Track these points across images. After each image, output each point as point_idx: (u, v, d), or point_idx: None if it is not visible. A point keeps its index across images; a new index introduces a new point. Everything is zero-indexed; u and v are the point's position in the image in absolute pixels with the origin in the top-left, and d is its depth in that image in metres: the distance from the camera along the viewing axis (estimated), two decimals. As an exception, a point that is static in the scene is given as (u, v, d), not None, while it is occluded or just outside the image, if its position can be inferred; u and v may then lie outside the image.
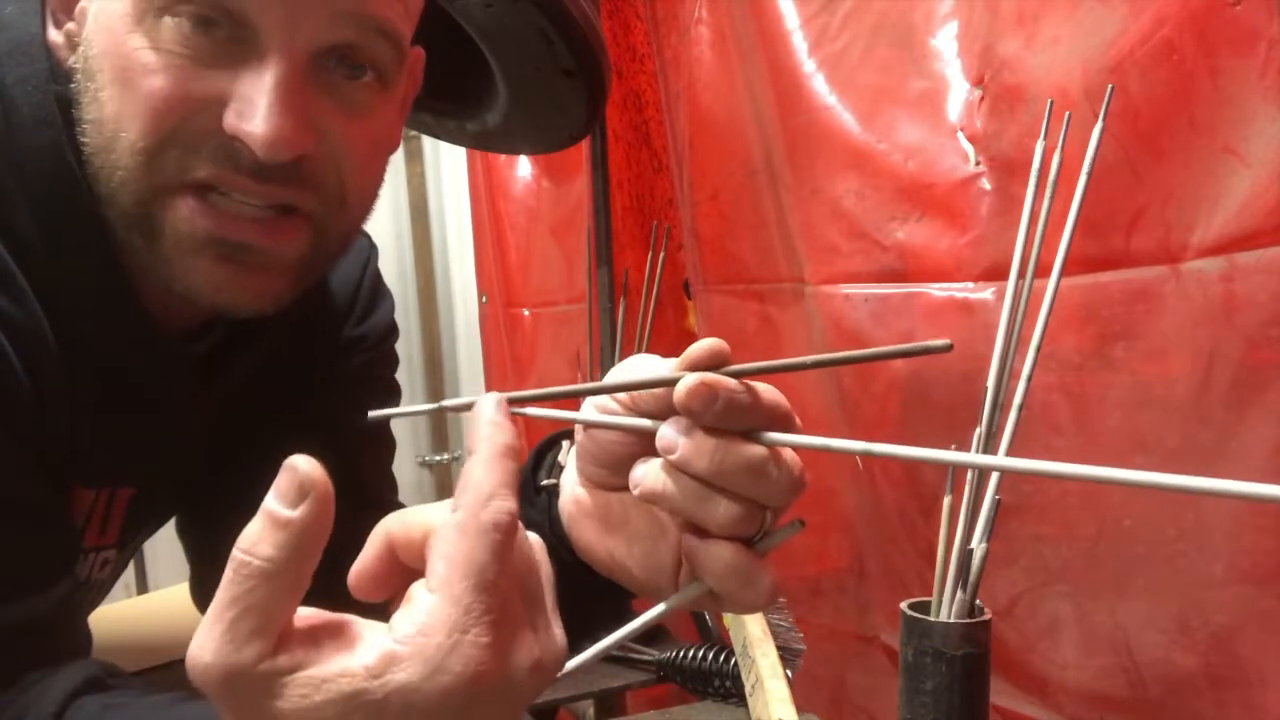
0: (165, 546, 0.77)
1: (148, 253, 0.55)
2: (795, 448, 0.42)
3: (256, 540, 0.33)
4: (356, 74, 0.55)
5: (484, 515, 0.35)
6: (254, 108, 0.51)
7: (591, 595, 0.53)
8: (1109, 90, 0.61)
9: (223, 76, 0.52)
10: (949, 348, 0.37)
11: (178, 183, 0.53)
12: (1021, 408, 0.58)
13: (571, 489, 0.50)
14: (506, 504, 0.36)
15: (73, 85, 0.55)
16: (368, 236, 0.77)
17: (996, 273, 0.82)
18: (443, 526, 0.36)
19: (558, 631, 0.39)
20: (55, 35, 0.57)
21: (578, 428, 0.48)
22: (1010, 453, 0.58)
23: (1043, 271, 0.60)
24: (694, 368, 0.42)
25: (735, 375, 0.42)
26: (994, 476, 0.58)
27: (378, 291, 0.78)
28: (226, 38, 0.52)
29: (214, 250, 0.54)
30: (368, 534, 0.71)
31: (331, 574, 0.70)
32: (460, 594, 0.34)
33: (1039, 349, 0.58)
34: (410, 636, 0.34)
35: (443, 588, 0.34)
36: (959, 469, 0.61)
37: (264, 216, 0.55)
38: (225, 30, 0.52)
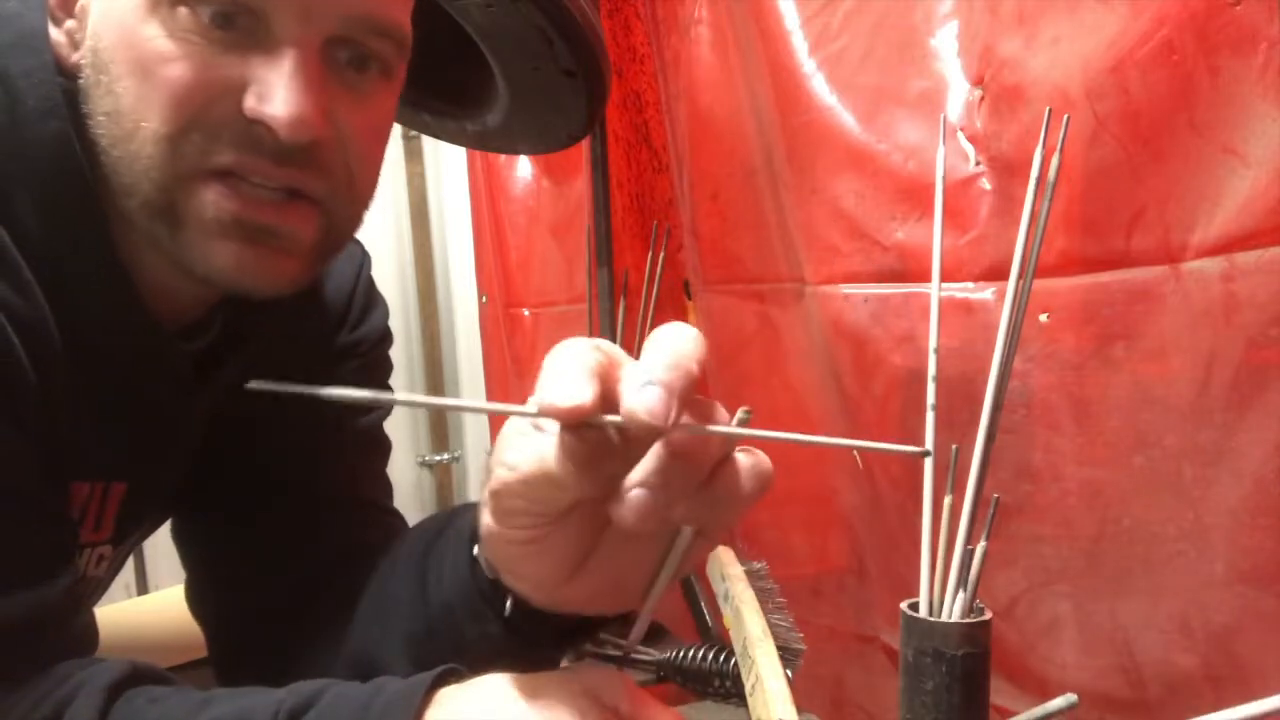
0: (165, 547, 0.77)
1: (170, 240, 0.55)
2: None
3: None
4: (363, 66, 0.57)
5: None
6: (274, 90, 0.52)
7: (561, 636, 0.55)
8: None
9: (240, 63, 0.53)
10: (928, 454, 0.38)
11: (200, 169, 0.54)
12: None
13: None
14: None
15: (80, 81, 0.55)
16: (360, 245, 0.78)
17: (996, 273, 0.82)
18: None
19: None
20: (56, 34, 0.57)
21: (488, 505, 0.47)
22: (1011, 453, 0.58)
23: (1044, 272, 0.60)
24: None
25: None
26: (973, 472, 0.58)
27: (371, 298, 0.78)
28: (241, 28, 0.53)
29: (238, 232, 0.55)
30: (361, 538, 0.71)
31: (331, 583, 0.70)
32: None
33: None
34: None
35: None
36: (960, 470, 0.61)
37: (279, 200, 0.56)
38: (241, 21, 0.53)
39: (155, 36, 0.52)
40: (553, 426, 0.40)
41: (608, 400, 0.39)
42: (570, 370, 0.39)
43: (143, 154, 0.53)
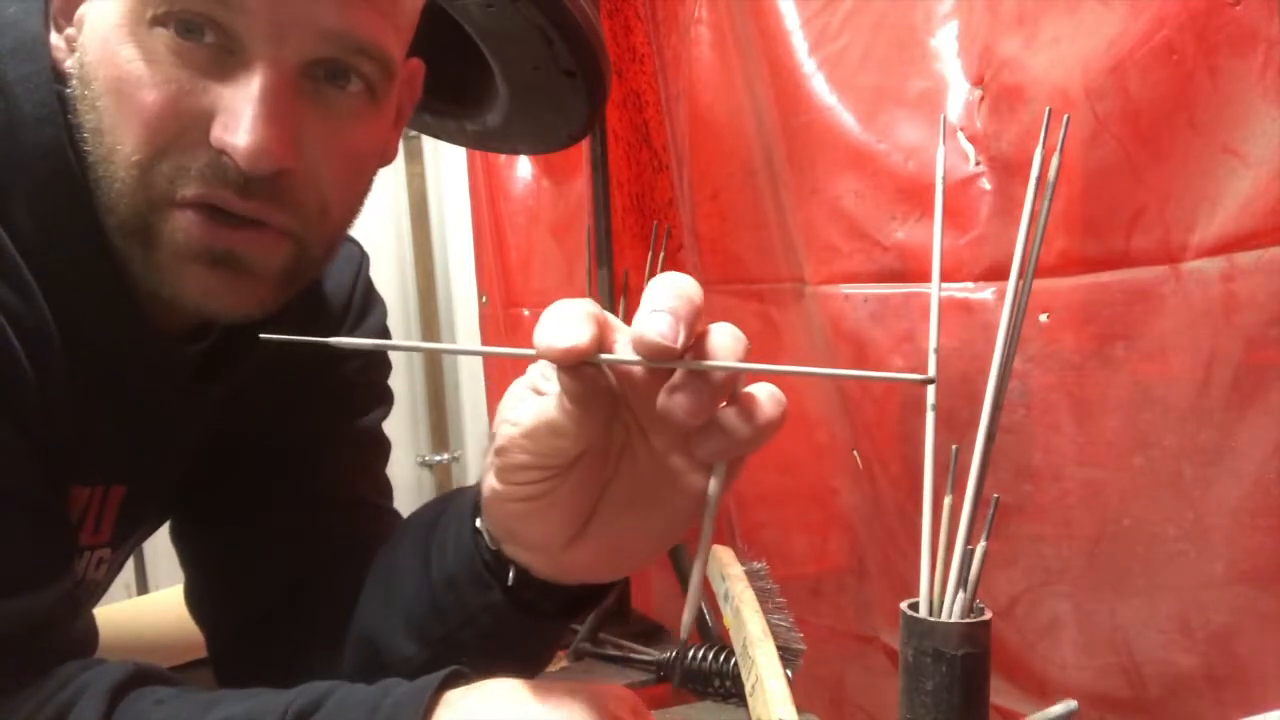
0: (165, 547, 0.77)
1: (142, 261, 0.55)
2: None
3: None
4: (343, 83, 0.56)
5: None
6: (239, 119, 0.52)
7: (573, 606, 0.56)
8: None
9: (212, 89, 0.52)
10: (931, 381, 0.40)
11: (170, 199, 0.54)
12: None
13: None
14: None
15: (69, 89, 0.55)
16: (359, 245, 0.78)
17: (996, 273, 0.82)
18: None
19: None
20: (56, 39, 0.57)
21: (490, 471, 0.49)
22: (1011, 453, 0.58)
23: (1044, 272, 0.60)
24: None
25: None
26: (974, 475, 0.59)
27: (370, 299, 0.78)
28: (215, 47, 0.52)
29: (205, 258, 0.55)
30: (359, 540, 0.72)
31: (330, 583, 0.70)
32: None
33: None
34: None
35: None
36: (960, 470, 0.61)
37: (245, 225, 0.55)
38: (213, 39, 0.52)
39: (132, 59, 0.52)
40: (553, 387, 0.43)
41: (603, 346, 0.42)
42: (567, 314, 0.42)
43: (118, 177, 0.53)
